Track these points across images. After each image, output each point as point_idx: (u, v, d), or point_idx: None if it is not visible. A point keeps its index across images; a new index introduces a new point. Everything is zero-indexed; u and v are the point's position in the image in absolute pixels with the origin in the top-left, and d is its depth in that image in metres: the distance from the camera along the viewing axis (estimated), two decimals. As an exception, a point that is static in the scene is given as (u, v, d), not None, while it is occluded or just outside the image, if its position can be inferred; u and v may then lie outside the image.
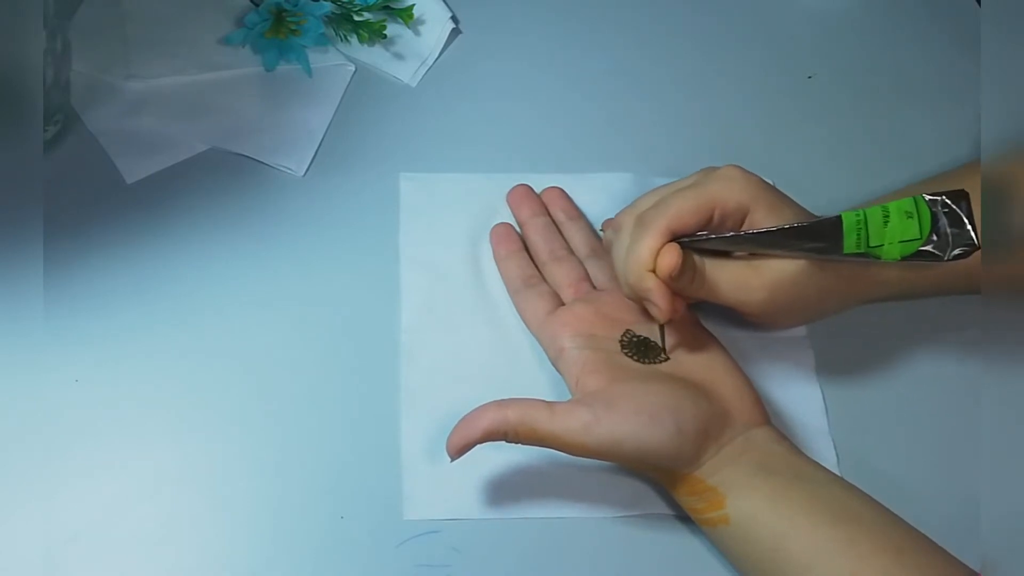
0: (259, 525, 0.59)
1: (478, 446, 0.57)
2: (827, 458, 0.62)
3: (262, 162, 0.72)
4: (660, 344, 0.61)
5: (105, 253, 0.67)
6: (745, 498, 0.56)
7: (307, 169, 0.72)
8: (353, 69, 0.77)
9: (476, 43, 0.80)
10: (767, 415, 0.60)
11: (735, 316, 0.64)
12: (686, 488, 0.58)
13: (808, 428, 0.63)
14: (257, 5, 0.77)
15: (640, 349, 0.62)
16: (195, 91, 0.75)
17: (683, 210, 0.58)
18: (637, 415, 0.57)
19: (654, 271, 0.58)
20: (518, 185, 0.71)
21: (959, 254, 0.56)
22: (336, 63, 0.77)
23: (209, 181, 0.71)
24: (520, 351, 0.65)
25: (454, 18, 0.80)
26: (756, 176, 0.60)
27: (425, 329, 0.66)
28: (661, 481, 0.60)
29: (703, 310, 0.65)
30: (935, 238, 0.56)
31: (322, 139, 0.73)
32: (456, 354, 0.65)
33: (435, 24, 0.79)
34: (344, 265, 0.68)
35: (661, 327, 0.61)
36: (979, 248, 0.56)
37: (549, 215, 0.70)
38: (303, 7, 0.76)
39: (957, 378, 0.66)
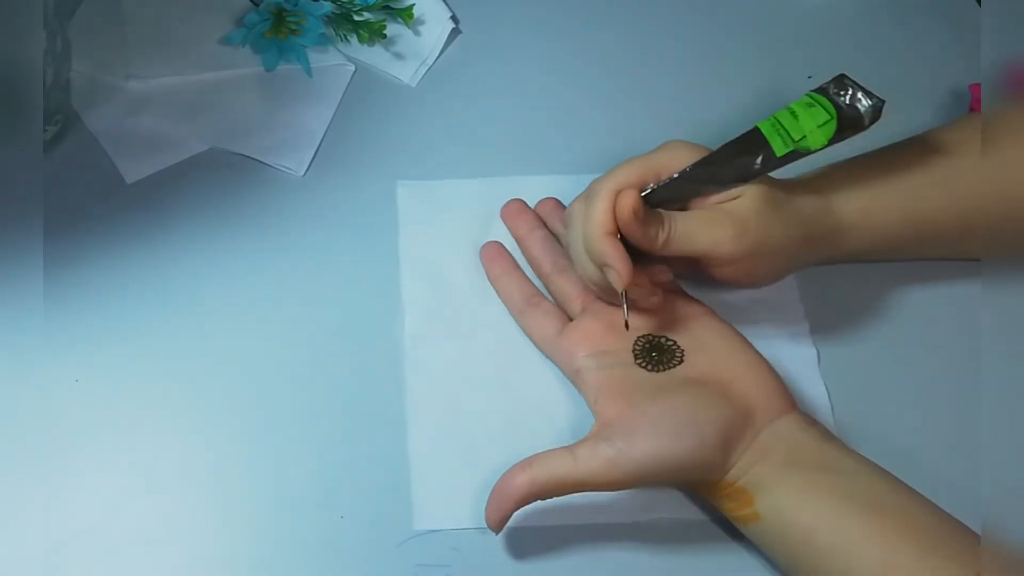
0: (259, 525, 0.59)
1: (481, 445, 0.60)
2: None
3: (262, 162, 0.72)
4: (624, 314, 0.61)
5: (105, 253, 0.67)
6: (774, 494, 0.56)
7: (307, 169, 0.72)
8: (353, 69, 0.77)
9: (476, 43, 0.80)
10: (792, 400, 0.60)
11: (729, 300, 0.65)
12: (716, 492, 0.58)
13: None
14: (257, 5, 0.77)
15: (653, 356, 0.61)
16: (195, 91, 0.75)
17: (627, 173, 0.60)
18: (658, 437, 0.57)
19: (612, 234, 0.58)
20: (511, 201, 0.70)
21: (875, 114, 0.61)
22: (336, 63, 0.77)
23: (209, 181, 0.71)
24: (526, 355, 0.65)
25: (454, 18, 0.80)
26: (699, 145, 0.62)
27: (429, 336, 0.65)
28: (693, 490, 0.60)
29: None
30: (844, 114, 0.61)
31: (322, 139, 0.73)
32: (462, 360, 0.65)
33: (435, 24, 0.79)
34: (344, 265, 0.68)
35: (623, 295, 0.60)
36: (884, 102, 0.61)
37: (546, 227, 0.69)
38: (303, 7, 0.76)
39: (964, 370, 0.66)
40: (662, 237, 0.59)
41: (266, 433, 0.62)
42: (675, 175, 0.60)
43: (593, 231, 0.59)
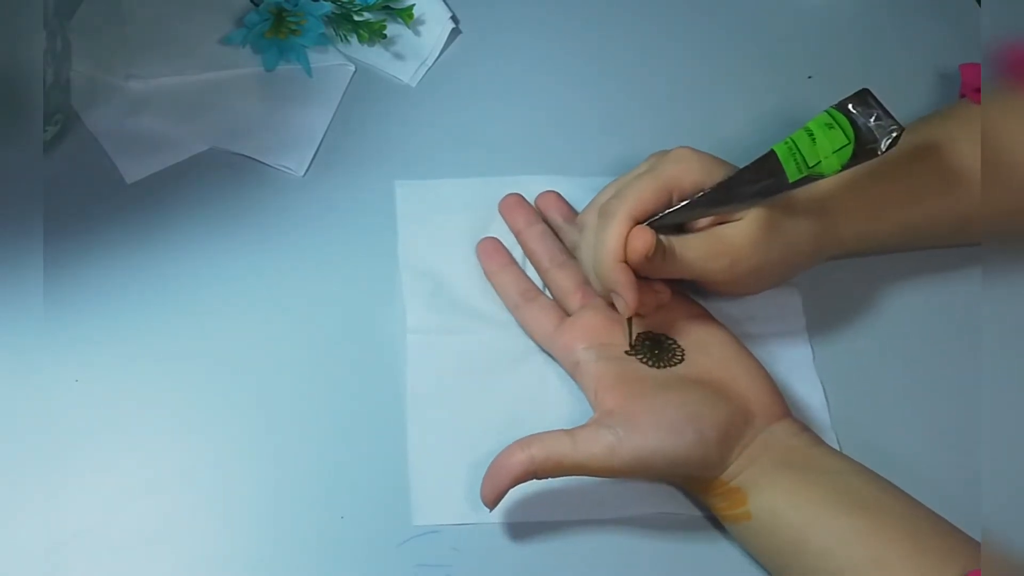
0: (259, 525, 0.59)
1: (483, 448, 0.59)
2: (829, 454, 0.62)
3: (262, 162, 0.72)
4: (628, 338, 0.62)
5: (105, 253, 0.67)
6: (766, 494, 0.57)
7: (307, 169, 0.72)
8: (353, 69, 0.77)
9: (476, 43, 0.80)
10: (786, 406, 0.61)
11: (719, 300, 0.65)
12: (709, 490, 0.58)
13: (810, 423, 0.63)
14: (257, 5, 0.77)
15: (655, 353, 0.62)
16: (195, 91, 0.75)
17: (643, 195, 0.60)
18: (658, 430, 0.57)
19: (624, 261, 0.59)
20: (509, 195, 0.70)
21: (891, 142, 0.60)
22: (336, 63, 0.77)
23: (209, 181, 0.71)
24: (526, 351, 0.65)
25: (454, 18, 0.80)
26: (708, 154, 0.62)
27: (430, 332, 0.65)
28: (685, 486, 0.60)
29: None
30: (862, 137, 0.60)
31: (322, 139, 0.73)
32: (462, 356, 0.65)
33: (435, 24, 0.79)
34: (344, 265, 0.68)
35: (628, 321, 0.61)
36: (903, 129, 0.60)
37: (544, 221, 0.69)
38: (303, 7, 0.76)
39: (963, 368, 0.66)
40: (664, 265, 0.60)
41: (266, 433, 0.62)
42: (686, 202, 0.60)
43: (605, 258, 0.59)
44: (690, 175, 0.60)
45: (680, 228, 0.62)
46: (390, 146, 0.74)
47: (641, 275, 0.60)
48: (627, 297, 0.59)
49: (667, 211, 0.60)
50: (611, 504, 0.60)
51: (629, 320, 0.61)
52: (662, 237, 0.59)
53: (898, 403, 0.65)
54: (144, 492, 0.59)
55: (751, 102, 0.78)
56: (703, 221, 0.62)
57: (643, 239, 0.58)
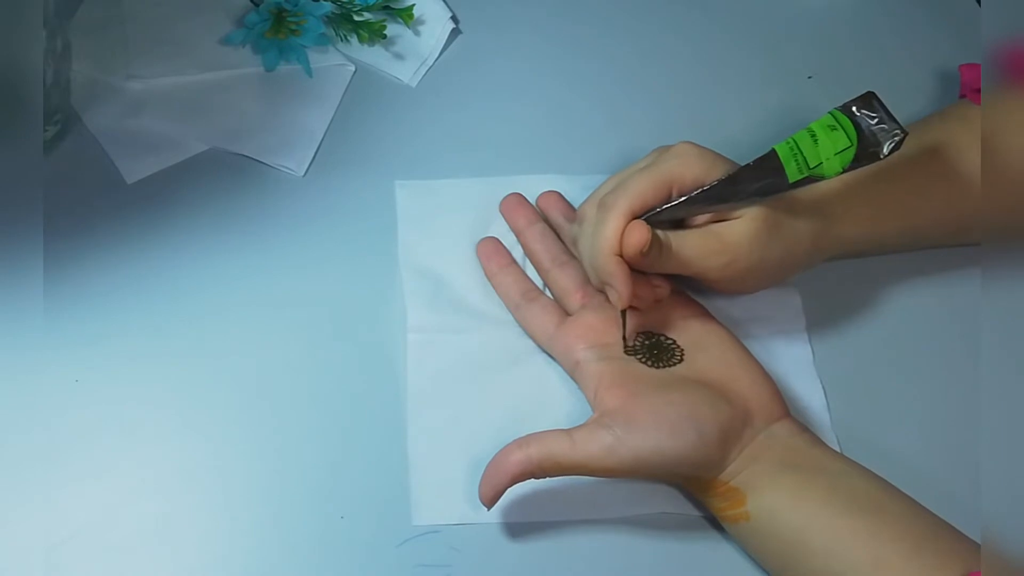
0: (259, 525, 0.59)
1: (483, 448, 0.59)
2: (829, 454, 0.62)
3: (262, 162, 0.72)
4: (623, 331, 0.62)
5: (105, 253, 0.67)
6: (766, 495, 0.57)
7: (307, 169, 0.72)
8: (353, 69, 0.77)
9: (476, 43, 0.80)
10: (786, 407, 0.61)
11: (717, 295, 0.65)
12: (708, 490, 0.58)
13: (810, 424, 0.63)
14: (257, 5, 0.77)
15: (654, 353, 0.62)
16: (195, 91, 0.75)
17: (643, 189, 0.60)
18: (658, 430, 0.57)
19: (620, 255, 0.59)
20: (510, 194, 0.70)
21: (894, 146, 0.60)
22: (336, 63, 0.77)
23: (209, 181, 0.71)
24: (526, 351, 0.65)
25: (454, 18, 0.80)
26: (710, 150, 0.62)
27: (431, 332, 0.65)
28: (684, 486, 0.60)
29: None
30: (865, 140, 0.60)
31: (322, 139, 0.73)
32: (462, 356, 0.65)
33: (435, 24, 0.79)
34: (345, 265, 0.68)
35: (623, 313, 0.61)
36: (907, 134, 0.60)
37: (545, 221, 0.69)
38: (303, 7, 0.76)
39: (963, 368, 0.66)
40: (661, 260, 0.60)
41: (266, 433, 0.62)
42: (685, 198, 0.60)
43: (601, 250, 0.59)
44: (691, 171, 0.60)
45: (679, 224, 0.62)
46: (390, 146, 0.74)
47: (639, 269, 0.60)
48: (621, 290, 0.59)
49: (666, 206, 0.60)
50: (611, 504, 0.60)
51: (623, 313, 0.61)
52: (660, 232, 0.60)
53: (898, 403, 0.65)
54: (144, 492, 0.59)
55: (751, 102, 0.78)
56: (702, 218, 0.62)
57: (639, 234, 0.58)
